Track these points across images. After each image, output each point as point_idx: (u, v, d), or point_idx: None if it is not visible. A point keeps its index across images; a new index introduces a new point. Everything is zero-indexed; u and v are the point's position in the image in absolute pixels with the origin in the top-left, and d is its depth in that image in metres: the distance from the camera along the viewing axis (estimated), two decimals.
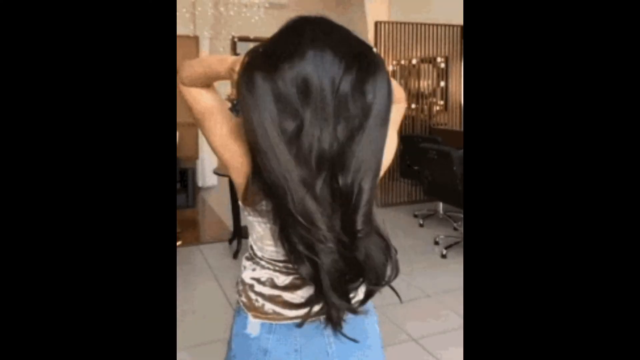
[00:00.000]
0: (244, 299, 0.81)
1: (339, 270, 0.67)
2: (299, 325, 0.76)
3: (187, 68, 0.78)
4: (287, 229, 0.67)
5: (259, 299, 0.79)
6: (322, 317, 0.76)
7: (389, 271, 0.72)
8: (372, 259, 0.70)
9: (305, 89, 0.63)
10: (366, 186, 0.66)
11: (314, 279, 0.68)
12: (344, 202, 0.66)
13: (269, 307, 0.78)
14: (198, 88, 0.79)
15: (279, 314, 0.78)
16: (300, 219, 0.64)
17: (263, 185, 0.67)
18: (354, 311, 0.73)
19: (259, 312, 0.79)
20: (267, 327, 0.78)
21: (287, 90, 0.63)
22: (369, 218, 0.68)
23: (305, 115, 0.63)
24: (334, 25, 0.68)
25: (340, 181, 0.65)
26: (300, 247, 0.66)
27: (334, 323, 0.73)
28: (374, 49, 0.71)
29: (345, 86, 0.64)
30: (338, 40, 0.66)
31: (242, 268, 0.84)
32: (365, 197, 0.66)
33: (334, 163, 0.65)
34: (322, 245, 0.65)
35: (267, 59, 0.65)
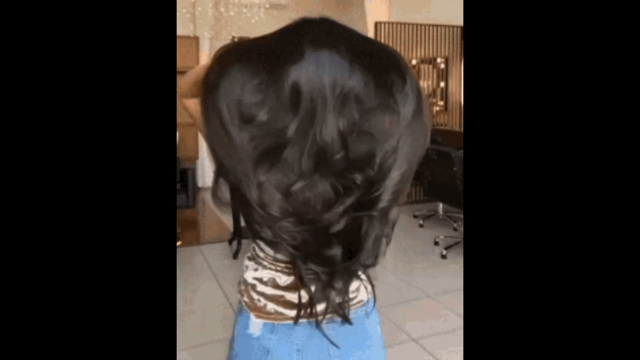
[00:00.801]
0: (246, 298, 0.82)
1: (305, 241, 0.67)
2: (294, 320, 0.76)
3: (183, 80, 0.80)
4: (246, 216, 0.67)
5: (261, 298, 0.79)
6: (327, 316, 0.75)
7: (371, 258, 0.71)
8: (367, 240, 0.68)
9: (301, 89, 0.62)
10: (395, 173, 0.65)
11: (293, 256, 0.69)
12: (363, 187, 0.65)
13: (271, 307, 0.78)
14: (196, 98, 0.79)
15: (281, 313, 0.78)
16: (255, 205, 0.64)
17: (224, 176, 0.67)
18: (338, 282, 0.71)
19: (261, 312, 0.79)
20: (269, 327, 0.79)
21: (276, 87, 0.62)
22: (394, 200, 0.67)
23: (297, 114, 0.62)
24: (336, 25, 0.68)
25: (356, 174, 0.64)
26: (264, 234, 0.66)
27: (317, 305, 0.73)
28: (389, 47, 0.70)
29: (354, 85, 0.63)
30: (339, 40, 0.65)
31: (244, 268, 0.84)
32: (391, 183, 0.65)
33: (340, 158, 0.64)
34: (279, 229, 0.65)
35: (262, 56, 0.64)
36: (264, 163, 0.63)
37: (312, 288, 0.72)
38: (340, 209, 0.65)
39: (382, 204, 0.66)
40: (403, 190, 0.69)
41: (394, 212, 0.72)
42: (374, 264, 0.72)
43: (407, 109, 0.65)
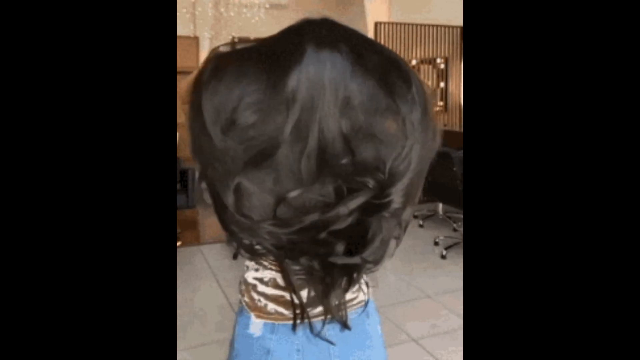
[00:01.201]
0: (246, 299, 0.82)
1: (291, 241, 0.66)
2: (293, 322, 0.76)
3: (184, 81, 0.79)
4: (223, 220, 0.66)
5: (262, 299, 0.79)
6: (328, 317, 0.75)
7: (375, 254, 0.69)
8: (373, 242, 0.67)
9: (301, 89, 0.60)
10: (406, 178, 0.64)
11: (277, 256, 0.68)
12: (374, 190, 0.64)
13: (271, 307, 0.78)
14: None
15: (281, 314, 0.78)
16: (231, 210, 0.63)
17: (205, 178, 0.66)
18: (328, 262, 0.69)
19: (261, 312, 0.79)
20: (270, 327, 0.79)
21: (275, 88, 0.61)
22: (407, 202, 0.67)
23: (295, 115, 0.61)
24: (337, 26, 0.67)
25: (367, 178, 0.63)
26: (242, 235, 0.66)
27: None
28: (389, 49, 0.70)
29: (356, 87, 0.62)
30: (341, 40, 0.64)
31: (245, 268, 0.84)
32: (402, 186, 0.64)
33: (347, 162, 0.62)
34: (259, 231, 0.64)
35: (262, 56, 0.64)
36: (253, 166, 0.62)
37: (305, 291, 0.71)
38: (342, 210, 0.63)
39: (395, 205, 0.65)
40: (415, 192, 0.68)
41: (406, 214, 0.71)
42: (377, 265, 0.71)
43: (414, 113, 0.64)
